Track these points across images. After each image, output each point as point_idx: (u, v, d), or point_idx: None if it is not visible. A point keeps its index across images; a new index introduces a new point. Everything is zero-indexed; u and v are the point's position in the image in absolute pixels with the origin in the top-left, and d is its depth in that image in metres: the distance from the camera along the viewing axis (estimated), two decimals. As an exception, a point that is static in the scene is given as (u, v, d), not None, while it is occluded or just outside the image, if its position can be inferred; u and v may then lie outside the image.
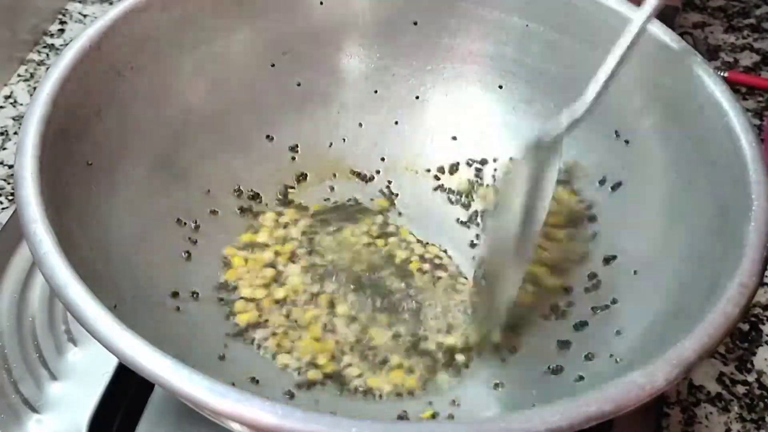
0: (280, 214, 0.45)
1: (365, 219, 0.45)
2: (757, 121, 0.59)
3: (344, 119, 0.47)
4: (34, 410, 0.38)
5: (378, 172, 0.47)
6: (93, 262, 0.32)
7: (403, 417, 0.36)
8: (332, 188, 0.47)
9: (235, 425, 0.26)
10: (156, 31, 0.40)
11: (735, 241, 0.31)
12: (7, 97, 0.57)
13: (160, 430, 0.37)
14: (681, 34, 0.42)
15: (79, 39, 0.36)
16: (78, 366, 0.39)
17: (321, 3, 0.45)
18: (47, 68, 0.45)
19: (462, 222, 0.45)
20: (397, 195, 0.47)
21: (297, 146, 0.46)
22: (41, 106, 0.33)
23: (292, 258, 0.43)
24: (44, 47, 0.61)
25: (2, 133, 0.55)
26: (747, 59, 0.65)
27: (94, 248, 0.33)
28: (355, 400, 0.37)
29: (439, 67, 0.47)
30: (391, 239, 0.44)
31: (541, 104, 0.45)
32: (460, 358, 0.39)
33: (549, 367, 0.37)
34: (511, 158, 0.43)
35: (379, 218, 0.45)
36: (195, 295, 0.39)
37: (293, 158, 0.46)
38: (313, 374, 0.38)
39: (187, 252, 0.40)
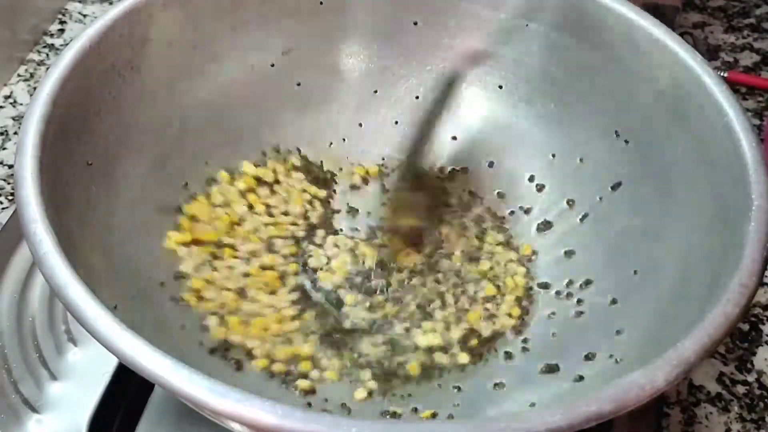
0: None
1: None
2: (757, 121, 0.59)
3: (344, 119, 0.47)
4: (34, 410, 0.38)
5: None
6: (93, 262, 0.32)
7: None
8: (333, 189, 0.47)
9: (235, 425, 0.26)
10: (156, 31, 0.40)
11: (735, 241, 0.31)
12: (7, 97, 0.57)
13: (160, 430, 0.37)
14: (681, 34, 0.42)
15: (79, 39, 0.36)
16: (78, 366, 0.39)
17: (321, 3, 0.45)
18: (47, 68, 0.45)
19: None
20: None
21: (297, 146, 0.47)
22: (41, 106, 0.33)
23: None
24: (44, 47, 0.61)
25: (2, 133, 0.55)
26: (747, 59, 0.65)
27: (94, 248, 0.33)
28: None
29: (439, 67, 0.47)
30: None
31: (541, 104, 0.45)
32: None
33: (549, 367, 0.37)
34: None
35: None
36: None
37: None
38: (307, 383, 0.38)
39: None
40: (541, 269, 0.43)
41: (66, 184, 0.33)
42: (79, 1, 0.66)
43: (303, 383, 0.37)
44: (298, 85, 0.46)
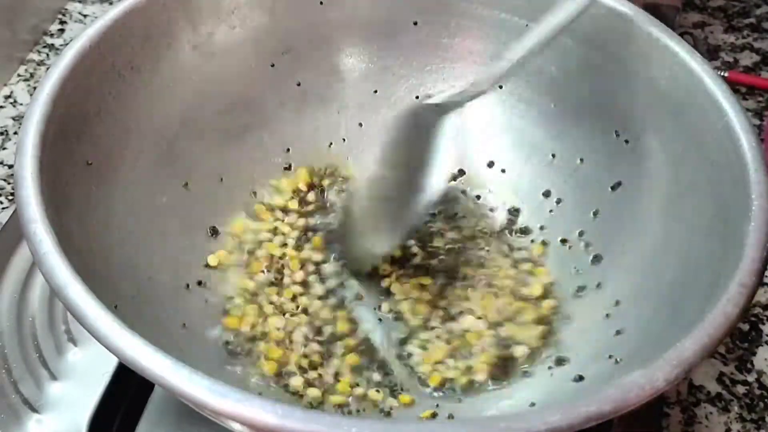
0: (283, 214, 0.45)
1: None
2: (757, 121, 0.59)
3: (344, 119, 0.47)
4: (34, 410, 0.38)
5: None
6: (93, 262, 0.32)
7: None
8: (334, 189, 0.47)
9: (235, 425, 0.26)
10: (156, 32, 0.40)
11: (735, 241, 0.31)
12: (7, 97, 0.57)
13: (160, 430, 0.37)
14: (681, 34, 0.42)
15: (79, 39, 0.36)
16: (78, 366, 0.39)
17: (321, 3, 0.45)
18: (47, 68, 0.45)
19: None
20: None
21: (297, 146, 0.47)
22: (41, 106, 0.33)
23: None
24: (44, 47, 0.61)
25: (2, 133, 0.55)
26: (747, 59, 0.65)
27: (94, 248, 0.33)
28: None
29: (439, 67, 0.47)
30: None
31: (541, 104, 0.45)
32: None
33: (548, 366, 0.37)
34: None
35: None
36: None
37: (293, 158, 0.46)
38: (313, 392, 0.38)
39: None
40: (542, 267, 0.43)
41: (66, 184, 0.33)
42: (79, 1, 0.66)
43: (310, 391, 0.37)
44: (298, 85, 0.46)
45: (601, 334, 0.37)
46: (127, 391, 0.39)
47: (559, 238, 0.43)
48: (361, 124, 0.48)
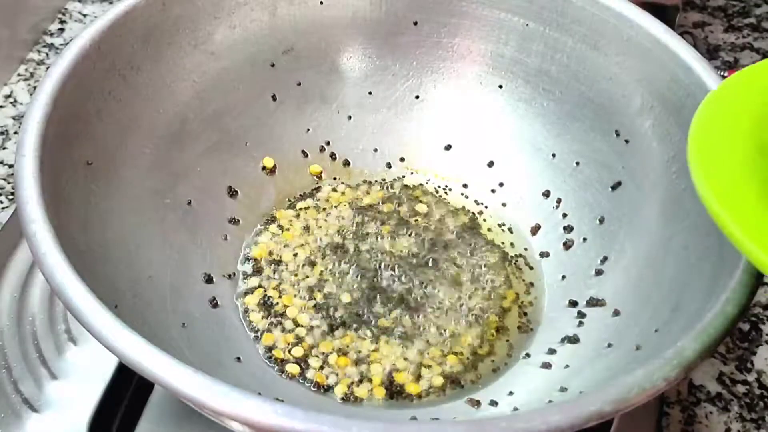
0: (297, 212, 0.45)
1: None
2: (757, 121, 0.59)
3: (344, 118, 0.48)
4: (34, 410, 0.38)
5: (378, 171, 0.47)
6: (93, 262, 0.32)
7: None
8: (334, 188, 0.47)
9: (235, 425, 0.26)
10: (156, 31, 0.40)
11: (735, 241, 0.31)
12: (7, 97, 0.57)
13: (160, 430, 0.37)
14: (681, 34, 0.42)
15: (79, 38, 0.36)
16: (78, 365, 0.39)
17: (321, 2, 0.45)
18: (47, 68, 0.45)
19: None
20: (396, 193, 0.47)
21: (297, 145, 0.47)
22: (41, 105, 0.33)
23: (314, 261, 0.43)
24: (44, 47, 0.61)
25: (2, 133, 0.55)
26: (747, 59, 0.65)
27: (94, 248, 0.33)
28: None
29: (439, 67, 0.47)
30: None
31: (541, 104, 0.45)
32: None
33: (548, 365, 0.37)
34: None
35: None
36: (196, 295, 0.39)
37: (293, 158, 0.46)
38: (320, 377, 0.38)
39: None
40: (541, 267, 0.43)
41: (66, 184, 0.33)
42: (79, 1, 0.66)
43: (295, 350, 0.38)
44: (298, 84, 0.46)
45: (601, 333, 0.37)
46: (127, 391, 0.39)
47: (559, 238, 0.43)
48: (360, 124, 0.47)
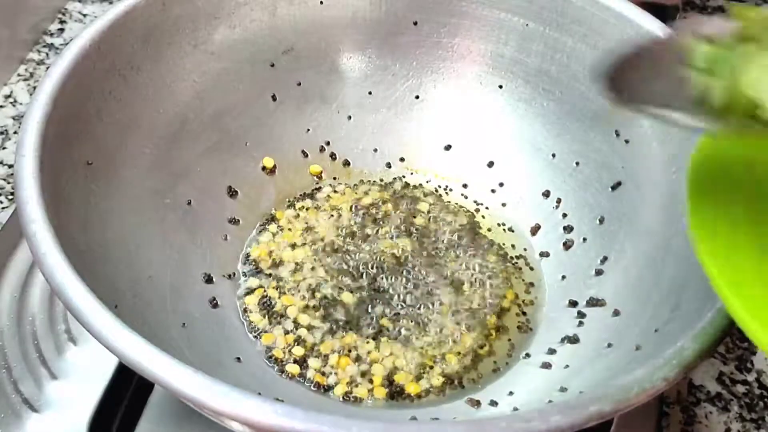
0: (297, 212, 0.45)
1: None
2: (757, 121, 0.59)
3: (344, 118, 0.48)
4: (34, 410, 0.38)
5: (378, 170, 0.47)
6: (93, 262, 0.32)
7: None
8: (334, 188, 0.47)
9: (235, 425, 0.26)
10: (156, 31, 0.40)
11: (735, 241, 0.31)
12: (6, 97, 0.57)
13: (160, 430, 0.37)
14: (681, 34, 0.42)
15: (80, 38, 0.36)
16: (78, 365, 0.39)
17: (321, 2, 0.45)
18: (47, 68, 0.45)
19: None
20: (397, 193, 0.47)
21: (297, 145, 0.47)
22: (41, 105, 0.33)
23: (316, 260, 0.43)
24: (44, 46, 0.61)
25: (2, 133, 0.55)
26: (747, 59, 0.65)
27: (94, 248, 0.33)
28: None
29: (439, 67, 0.47)
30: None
31: (541, 104, 0.45)
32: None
33: (548, 365, 0.37)
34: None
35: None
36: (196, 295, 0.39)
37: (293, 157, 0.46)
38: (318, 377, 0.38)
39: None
40: (541, 267, 0.43)
41: (66, 184, 0.33)
42: (79, 1, 0.66)
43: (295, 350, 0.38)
44: (299, 84, 0.46)
45: (601, 333, 0.37)
46: (127, 391, 0.39)
47: (559, 238, 0.43)
48: (360, 124, 0.47)
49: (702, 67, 0.25)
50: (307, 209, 0.45)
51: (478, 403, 0.36)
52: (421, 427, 0.27)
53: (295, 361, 0.38)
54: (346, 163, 0.48)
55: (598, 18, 0.41)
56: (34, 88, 0.57)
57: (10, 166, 0.52)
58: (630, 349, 0.33)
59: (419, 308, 0.41)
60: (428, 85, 0.47)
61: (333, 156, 0.47)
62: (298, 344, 0.39)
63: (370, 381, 0.38)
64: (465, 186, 0.47)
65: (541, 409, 0.25)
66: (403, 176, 0.48)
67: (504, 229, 0.45)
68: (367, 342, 0.39)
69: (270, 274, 0.42)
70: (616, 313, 0.37)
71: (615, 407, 0.25)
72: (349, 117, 0.47)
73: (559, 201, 0.44)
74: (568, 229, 0.43)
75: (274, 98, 0.46)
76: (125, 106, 0.38)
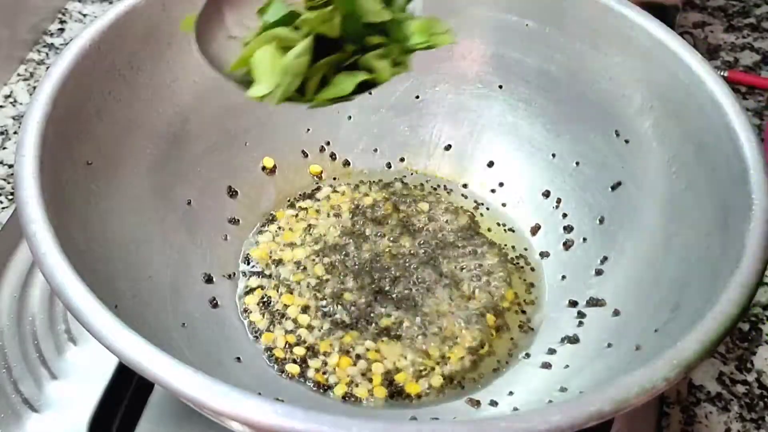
0: (296, 212, 0.45)
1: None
2: (757, 121, 0.59)
3: (344, 118, 0.47)
4: (34, 410, 0.38)
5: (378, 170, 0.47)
6: (93, 262, 0.32)
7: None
8: (334, 188, 0.47)
9: (235, 425, 0.26)
10: (156, 31, 0.39)
11: (735, 241, 0.31)
12: (6, 97, 0.57)
13: (160, 430, 0.37)
14: (681, 34, 0.42)
15: (79, 38, 0.36)
16: (78, 365, 0.39)
17: (321, 2, 0.45)
18: (47, 68, 0.45)
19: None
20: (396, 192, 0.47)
21: (297, 145, 0.47)
22: (41, 105, 0.33)
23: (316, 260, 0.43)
24: (44, 46, 0.61)
25: (2, 133, 0.55)
26: (747, 59, 0.65)
27: (94, 248, 0.33)
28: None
29: (439, 66, 0.47)
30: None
31: (541, 104, 0.45)
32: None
33: (548, 365, 0.37)
34: None
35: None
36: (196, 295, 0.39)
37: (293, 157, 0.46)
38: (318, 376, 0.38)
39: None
40: (542, 267, 0.43)
41: (66, 184, 0.33)
42: (79, 1, 0.66)
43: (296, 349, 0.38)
44: (298, 84, 0.46)
45: (601, 333, 0.37)
46: (127, 391, 0.39)
47: (559, 238, 0.43)
48: (360, 124, 0.47)
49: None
50: (307, 209, 0.45)
51: (478, 403, 0.36)
52: (421, 427, 0.27)
53: (295, 361, 0.38)
54: (346, 163, 0.48)
55: (598, 18, 0.41)
56: (34, 88, 0.57)
57: (10, 166, 0.52)
58: (630, 349, 0.33)
59: (419, 308, 0.41)
60: (428, 85, 0.47)
61: (333, 156, 0.47)
62: (298, 344, 0.39)
63: (370, 381, 0.38)
64: (465, 186, 0.47)
65: (541, 409, 0.25)
66: (403, 176, 0.48)
67: (504, 229, 0.45)
68: (367, 342, 0.39)
69: (270, 274, 0.42)
70: (616, 313, 0.37)
71: (615, 407, 0.25)
72: (349, 117, 0.47)
73: (559, 201, 0.44)
74: (568, 229, 0.43)
75: (274, 98, 0.46)
76: (125, 106, 0.38)
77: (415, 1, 0.35)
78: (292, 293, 0.41)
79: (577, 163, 0.44)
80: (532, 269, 0.43)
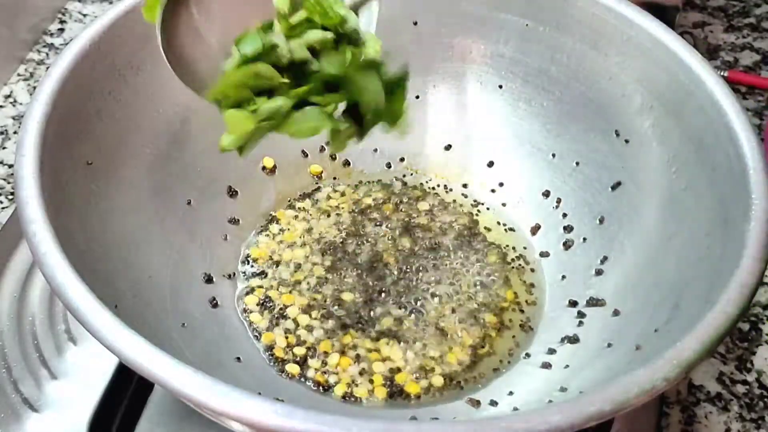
0: (296, 212, 0.45)
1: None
2: (757, 121, 0.59)
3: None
4: (34, 409, 0.38)
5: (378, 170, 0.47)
6: (93, 262, 0.32)
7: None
8: (334, 188, 0.47)
9: (235, 425, 0.26)
10: (156, 31, 0.39)
11: (735, 241, 0.31)
12: (6, 97, 0.57)
13: (160, 430, 0.37)
14: (681, 34, 0.42)
15: (79, 39, 0.36)
16: (78, 365, 0.39)
17: (321, 3, 0.45)
18: (47, 68, 0.45)
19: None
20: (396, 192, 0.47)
21: (297, 145, 0.47)
22: (41, 105, 0.33)
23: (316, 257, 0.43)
24: (44, 46, 0.61)
25: (2, 133, 0.55)
26: (747, 59, 0.65)
27: (94, 248, 0.33)
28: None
29: (439, 67, 0.47)
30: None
31: (541, 104, 0.45)
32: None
33: (548, 365, 0.37)
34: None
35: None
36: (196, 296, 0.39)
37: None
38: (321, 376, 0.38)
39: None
40: (541, 267, 0.43)
41: (66, 184, 0.33)
42: (79, 1, 0.66)
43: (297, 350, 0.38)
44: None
45: (601, 333, 0.37)
46: (127, 391, 0.39)
47: (559, 238, 0.43)
48: (361, 124, 0.48)
49: None
50: (307, 209, 0.45)
51: (478, 403, 0.36)
52: (421, 427, 0.27)
53: (295, 361, 0.38)
54: (346, 163, 0.48)
55: (598, 18, 0.41)
56: (34, 88, 0.57)
57: (10, 166, 0.52)
58: (630, 349, 0.33)
59: (419, 308, 0.41)
60: (428, 85, 0.47)
61: (333, 156, 0.47)
62: (298, 344, 0.39)
63: (370, 381, 0.38)
64: (465, 186, 0.47)
65: (541, 409, 0.25)
66: (403, 176, 0.48)
67: (504, 229, 0.45)
68: (367, 342, 0.39)
69: (270, 275, 0.42)
70: (616, 313, 0.37)
71: (615, 407, 0.25)
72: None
73: (559, 201, 0.44)
74: (568, 229, 0.43)
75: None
76: (125, 106, 0.38)
77: (368, 16, 0.36)
78: (292, 293, 0.41)
79: (577, 163, 0.44)
80: (532, 269, 0.43)
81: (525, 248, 0.44)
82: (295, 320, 0.40)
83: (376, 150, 0.48)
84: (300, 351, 0.39)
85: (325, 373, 0.38)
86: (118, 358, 0.26)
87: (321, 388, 0.38)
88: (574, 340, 0.38)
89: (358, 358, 0.39)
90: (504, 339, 0.40)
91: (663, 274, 0.36)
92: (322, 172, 0.47)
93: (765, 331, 0.46)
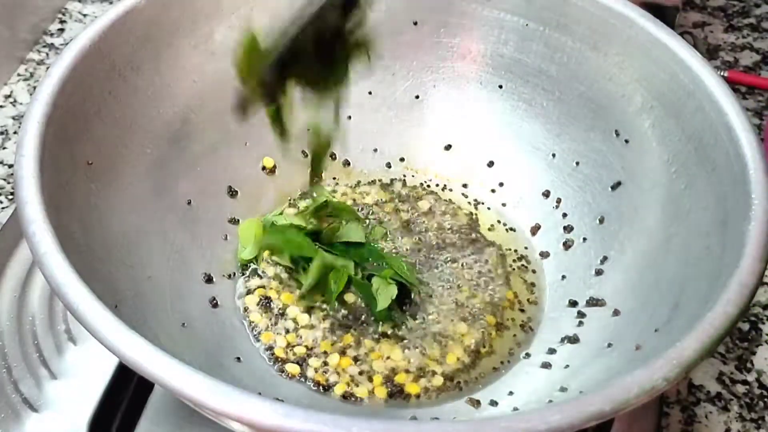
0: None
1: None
2: (757, 121, 0.59)
3: (344, 118, 0.47)
4: (34, 409, 0.38)
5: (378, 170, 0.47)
6: (93, 262, 0.32)
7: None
8: (334, 188, 0.47)
9: (235, 425, 0.26)
10: (156, 31, 0.39)
11: (735, 241, 0.31)
12: (6, 97, 0.57)
13: (160, 430, 0.37)
14: (681, 34, 0.42)
15: (79, 39, 0.36)
16: (78, 365, 0.39)
17: (321, 2, 0.45)
18: (47, 68, 0.45)
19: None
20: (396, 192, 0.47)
21: (297, 145, 0.47)
22: (41, 105, 0.33)
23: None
24: (44, 46, 0.61)
25: (2, 133, 0.55)
26: (747, 59, 0.65)
27: (94, 248, 0.33)
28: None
29: (439, 66, 0.47)
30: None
31: (541, 104, 0.45)
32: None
33: (548, 365, 0.37)
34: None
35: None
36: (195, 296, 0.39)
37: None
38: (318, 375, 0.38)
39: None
40: (542, 267, 0.43)
41: (66, 184, 0.33)
42: (79, 1, 0.66)
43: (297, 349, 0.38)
44: (298, 84, 0.46)
45: (601, 333, 0.37)
46: (127, 391, 0.39)
47: (559, 238, 0.43)
48: (360, 123, 0.47)
49: None
50: (307, 209, 0.45)
51: (478, 403, 0.36)
52: (421, 427, 0.27)
53: (295, 361, 0.38)
54: (346, 163, 0.48)
55: (598, 18, 0.41)
56: (34, 88, 0.57)
57: (10, 166, 0.52)
58: (630, 349, 0.33)
59: (419, 308, 0.41)
60: (428, 85, 0.47)
61: (333, 156, 0.47)
62: (298, 344, 0.39)
63: (370, 381, 0.38)
64: (465, 186, 0.47)
65: (541, 409, 0.25)
66: (403, 176, 0.48)
67: (504, 229, 0.45)
68: (367, 342, 0.39)
69: (270, 275, 0.42)
70: (616, 313, 0.37)
71: (615, 407, 0.25)
72: (349, 117, 0.47)
73: (559, 201, 0.44)
74: (568, 229, 0.43)
75: (274, 98, 0.46)
76: (125, 106, 0.38)
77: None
78: (292, 293, 0.41)
79: (577, 163, 0.44)
80: (533, 269, 0.43)
81: (525, 248, 0.44)
82: (295, 320, 0.40)
83: (376, 150, 0.48)
84: (300, 351, 0.39)
85: (325, 372, 0.38)
86: (118, 358, 0.26)
87: (321, 387, 0.38)
88: (574, 340, 0.38)
89: (358, 358, 0.39)
90: (504, 339, 0.40)
91: (663, 274, 0.36)
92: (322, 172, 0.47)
93: (765, 331, 0.46)
